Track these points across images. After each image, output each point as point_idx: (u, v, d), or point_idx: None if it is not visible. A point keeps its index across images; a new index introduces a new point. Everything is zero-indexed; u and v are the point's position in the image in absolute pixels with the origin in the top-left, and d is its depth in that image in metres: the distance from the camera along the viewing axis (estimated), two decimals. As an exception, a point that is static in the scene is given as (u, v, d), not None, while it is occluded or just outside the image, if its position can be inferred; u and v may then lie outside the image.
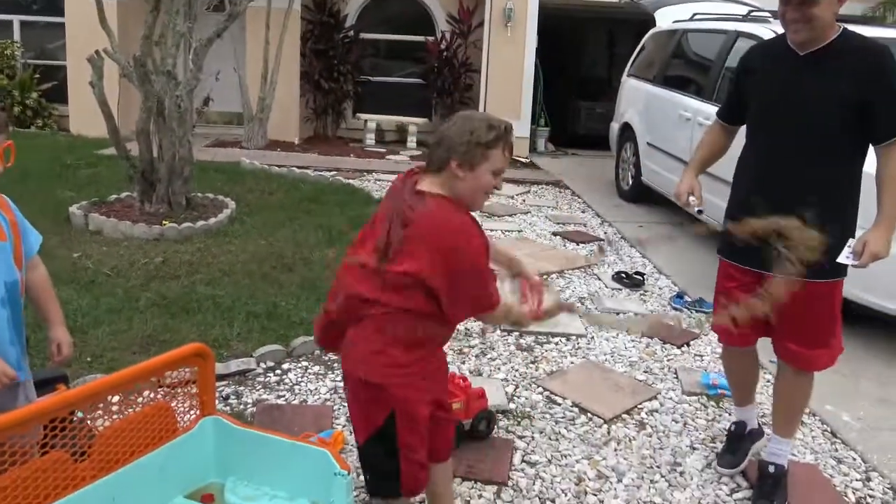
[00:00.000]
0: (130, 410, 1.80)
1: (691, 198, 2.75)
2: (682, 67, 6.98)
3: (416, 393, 1.97)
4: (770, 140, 2.63)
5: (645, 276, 5.21)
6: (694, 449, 3.13)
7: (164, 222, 5.51)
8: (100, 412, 1.77)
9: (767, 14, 5.91)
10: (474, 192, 1.96)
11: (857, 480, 2.98)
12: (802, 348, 2.64)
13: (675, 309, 4.70)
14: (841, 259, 2.44)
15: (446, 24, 11.19)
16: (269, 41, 9.59)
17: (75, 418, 1.72)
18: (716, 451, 3.08)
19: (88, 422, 1.75)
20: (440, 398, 2.13)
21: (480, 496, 2.70)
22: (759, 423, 3.08)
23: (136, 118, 5.68)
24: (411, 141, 10.84)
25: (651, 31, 7.97)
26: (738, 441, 2.97)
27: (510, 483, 2.78)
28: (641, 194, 7.49)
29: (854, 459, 3.12)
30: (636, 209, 7.45)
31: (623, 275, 5.17)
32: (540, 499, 2.73)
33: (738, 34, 5.83)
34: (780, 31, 2.63)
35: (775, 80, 2.60)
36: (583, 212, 7.44)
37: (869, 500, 2.86)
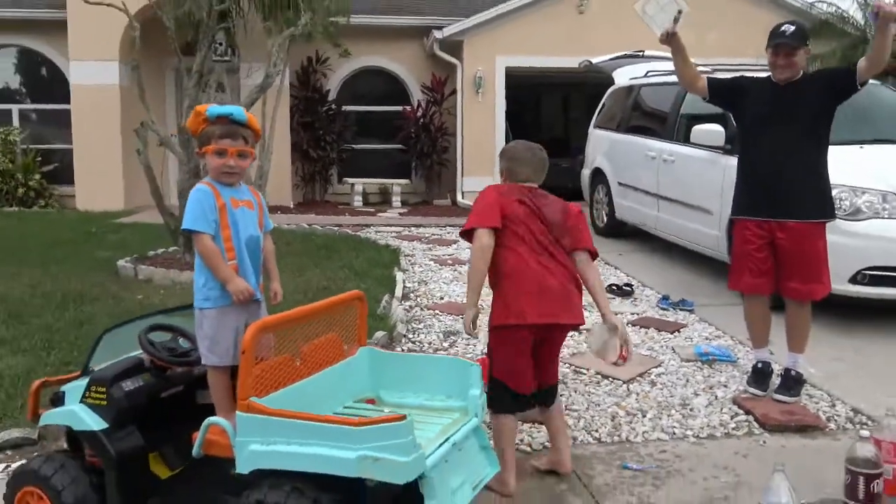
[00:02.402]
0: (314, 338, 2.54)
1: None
2: (643, 116, 8.04)
3: None
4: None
5: (633, 287, 6.08)
6: (697, 395, 3.93)
7: (207, 268, 6.19)
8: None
9: (709, 69, 7.00)
10: None
11: (826, 406, 3.80)
12: (802, 284, 3.69)
13: (663, 309, 5.55)
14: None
15: (421, 93, 12.30)
16: (265, 114, 10.49)
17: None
18: (716, 395, 3.89)
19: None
20: None
21: (540, 431, 3.43)
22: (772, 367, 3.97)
23: (178, 179, 6.43)
24: (395, 200, 11.75)
25: (611, 88, 9.09)
26: (764, 376, 3.90)
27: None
28: (615, 229, 8.44)
29: (822, 394, 3.95)
30: (613, 242, 8.36)
31: (615, 287, 6.03)
32: (586, 430, 3.48)
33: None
34: None
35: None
36: (565, 247, 8.32)
37: (836, 418, 3.67)
